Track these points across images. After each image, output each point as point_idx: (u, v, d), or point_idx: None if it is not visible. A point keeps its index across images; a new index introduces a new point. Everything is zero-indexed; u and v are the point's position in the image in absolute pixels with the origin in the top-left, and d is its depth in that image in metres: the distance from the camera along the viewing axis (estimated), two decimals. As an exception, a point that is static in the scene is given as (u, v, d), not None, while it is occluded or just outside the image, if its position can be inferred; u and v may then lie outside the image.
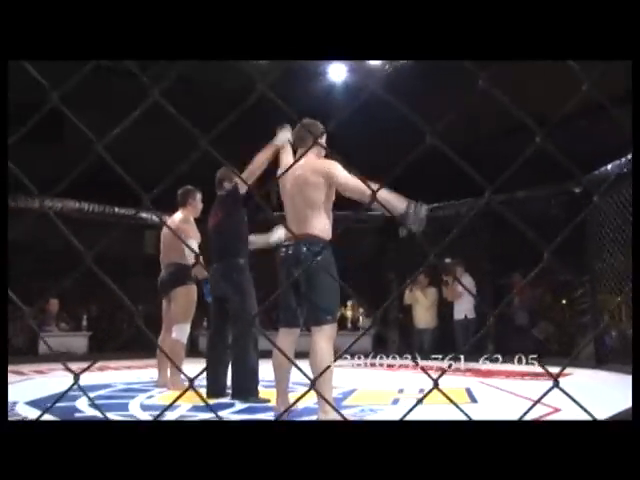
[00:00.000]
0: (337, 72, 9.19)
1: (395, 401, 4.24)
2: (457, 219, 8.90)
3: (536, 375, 5.71)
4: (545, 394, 0.91)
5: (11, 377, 5.46)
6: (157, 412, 3.58)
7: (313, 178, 3.27)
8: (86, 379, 4.74)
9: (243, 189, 4.10)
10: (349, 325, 9.76)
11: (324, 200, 3.32)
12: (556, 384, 0.88)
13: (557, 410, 3.16)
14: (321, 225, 3.33)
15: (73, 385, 1.04)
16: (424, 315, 8.88)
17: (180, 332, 4.72)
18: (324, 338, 3.20)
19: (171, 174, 0.97)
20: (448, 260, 8.20)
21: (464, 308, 8.37)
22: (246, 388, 3.89)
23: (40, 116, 1.04)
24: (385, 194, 3.01)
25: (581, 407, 0.91)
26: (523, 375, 5.92)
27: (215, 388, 4.12)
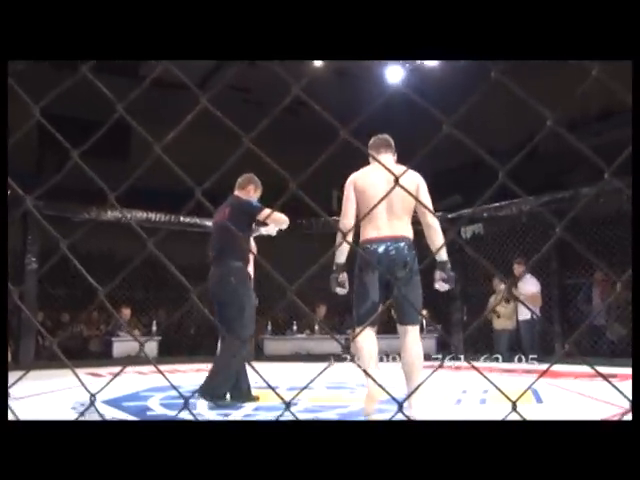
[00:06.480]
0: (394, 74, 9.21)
1: (458, 401, 4.23)
2: (520, 218, 8.73)
3: (608, 376, 5.52)
4: (504, 418, 0.91)
5: (89, 378, 5.76)
6: (226, 411, 3.73)
7: (411, 185, 3.39)
8: (158, 381, 4.89)
9: (258, 214, 4.19)
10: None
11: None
12: (514, 408, 0.89)
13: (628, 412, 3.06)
14: (411, 230, 3.49)
15: (90, 405, 1.10)
16: (503, 321, 8.68)
17: None
18: (419, 336, 3.41)
19: (218, 171, 1.01)
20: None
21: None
22: (215, 394, 3.93)
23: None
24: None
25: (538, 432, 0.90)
26: (592, 376, 5.75)
27: (234, 392, 4.18)
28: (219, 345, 4.30)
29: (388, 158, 3.61)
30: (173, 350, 9.24)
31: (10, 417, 1.04)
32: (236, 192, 4.49)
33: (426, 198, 3.48)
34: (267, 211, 4.15)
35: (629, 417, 0.89)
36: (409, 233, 3.46)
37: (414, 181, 3.45)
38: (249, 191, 4.48)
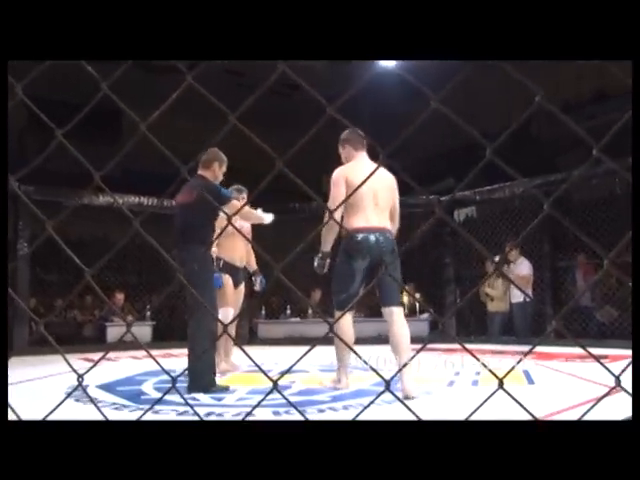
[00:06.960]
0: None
1: (450, 383, 4.27)
2: (513, 201, 8.74)
3: (599, 357, 5.57)
4: (490, 396, 0.93)
5: (82, 363, 5.77)
6: (219, 395, 3.74)
7: (395, 184, 3.91)
8: (152, 366, 4.86)
9: (225, 204, 4.01)
10: (405, 311, 9.73)
11: None
12: (500, 385, 0.90)
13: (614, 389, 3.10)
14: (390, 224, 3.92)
15: (78, 386, 1.11)
16: (497, 303, 8.74)
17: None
18: (404, 316, 3.82)
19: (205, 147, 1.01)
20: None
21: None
22: (203, 384, 3.86)
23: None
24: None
25: (526, 410, 0.91)
26: (583, 357, 5.81)
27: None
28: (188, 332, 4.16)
29: (365, 155, 3.96)
30: (167, 335, 9.24)
31: (10, 415, 1.05)
32: (200, 171, 4.27)
33: (397, 199, 3.98)
34: (235, 203, 4.08)
35: (617, 396, 0.90)
36: (390, 226, 3.87)
37: (394, 184, 3.92)
38: (214, 170, 4.27)
